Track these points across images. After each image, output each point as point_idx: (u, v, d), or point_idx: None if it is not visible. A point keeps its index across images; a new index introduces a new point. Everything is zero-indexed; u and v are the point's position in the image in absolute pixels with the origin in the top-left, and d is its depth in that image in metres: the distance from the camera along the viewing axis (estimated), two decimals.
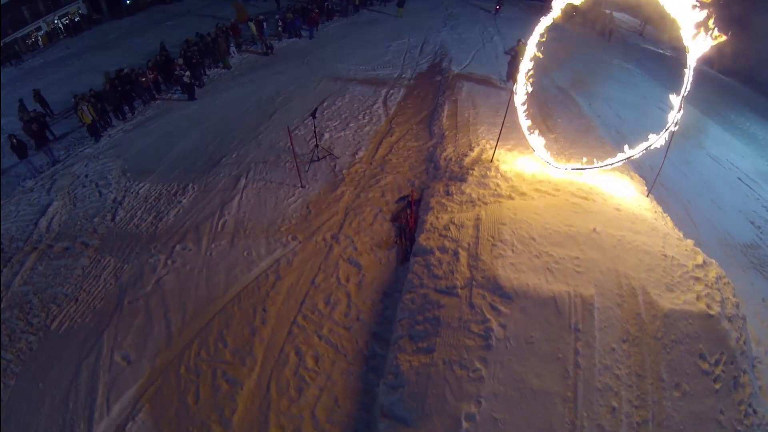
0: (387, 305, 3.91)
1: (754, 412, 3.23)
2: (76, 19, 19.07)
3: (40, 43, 17.65)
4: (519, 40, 8.91)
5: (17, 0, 18.05)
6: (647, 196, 5.24)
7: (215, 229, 5.25)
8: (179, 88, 9.94)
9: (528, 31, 5.04)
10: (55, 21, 18.87)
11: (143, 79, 9.54)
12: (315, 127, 6.64)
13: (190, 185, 6.29)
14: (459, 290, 3.17)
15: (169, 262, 4.81)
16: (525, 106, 4.96)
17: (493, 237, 3.49)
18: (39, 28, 18.59)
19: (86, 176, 7.32)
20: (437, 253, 3.58)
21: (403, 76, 10.26)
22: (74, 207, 6.60)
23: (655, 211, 4.75)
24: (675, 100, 4.37)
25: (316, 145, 6.69)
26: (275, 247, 4.81)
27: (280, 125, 7.81)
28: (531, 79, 4.78)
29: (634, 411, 2.80)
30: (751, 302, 5.26)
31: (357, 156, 6.80)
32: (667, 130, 4.60)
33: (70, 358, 4.05)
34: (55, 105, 10.18)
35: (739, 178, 9.55)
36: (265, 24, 12.74)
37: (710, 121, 12.88)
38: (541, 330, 2.87)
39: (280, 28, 13.22)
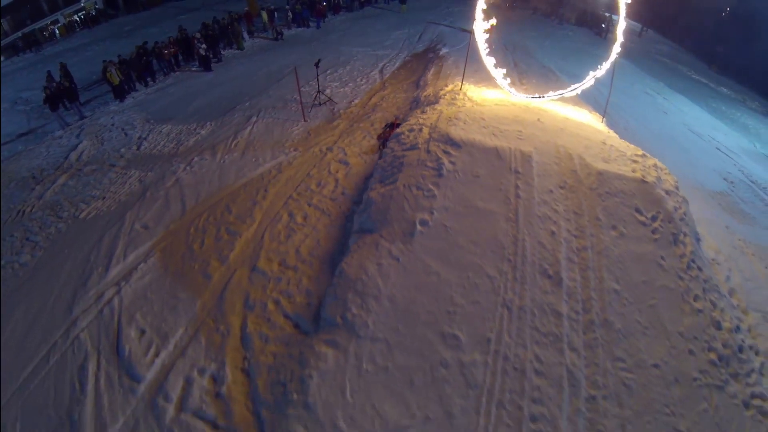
0: (368, 185, 4.63)
1: (699, 269, 3.74)
2: (92, 13, 20.79)
3: (57, 34, 19.11)
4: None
5: None
6: (601, 122, 5.95)
7: (229, 146, 6.15)
8: (197, 62, 11.12)
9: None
10: (73, 15, 20.62)
11: (165, 51, 10.74)
12: (318, 76, 7.61)
13: (208, 123, 7.26)
14: (419, 145, 3.91)
15: (188, 168, 5.68)
16: (487, 47, 5.73)
17: (449, 118, 4.28)
18: (56, 21, 20.10)
19: (112, 124, 8.32)
20: (406, 132, 4.36)
21: (400, 55, 11.34)
22: (101, 145, 7.51)
23: (608, 131, 5.43)
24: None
25: (318, 92, 7.62)
26: (279, 155, 5.67)
27: (288, 86, 8.79)
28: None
29: (573, 239, 3.39)
30: (714, 227, 5.80)
31: (353, 103, 7.76)
32: (609, 61, 5.42)
33: (94, 232, 4.82)
34: (77, 82, 11.51)
35: (717, 149, 10.28)
36: (275, 13, 14.09)
37: (698, 107, 13.73)
38: (485, 168, 3.56)
39: (289, 18, 14.55)
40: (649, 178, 4.06)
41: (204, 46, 10.71)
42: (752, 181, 8.58)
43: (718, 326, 3.51)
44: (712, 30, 22.86)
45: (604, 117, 6.13)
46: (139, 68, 10.30)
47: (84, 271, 4.30)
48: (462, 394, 2.59)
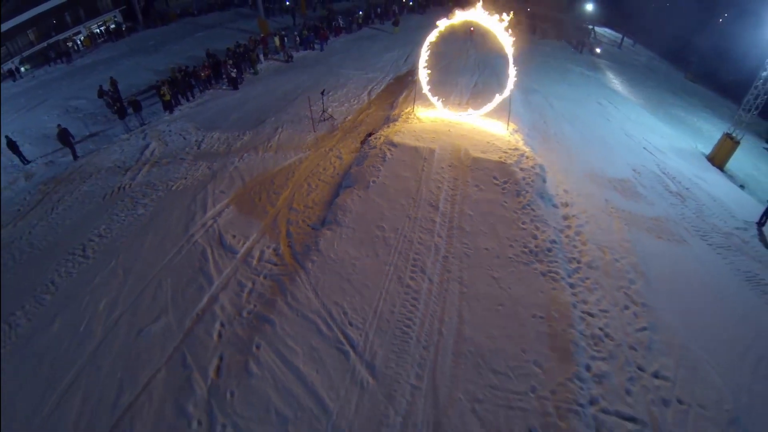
0: (351, 167, 8.78)
1: (533, 210, 7.73)
2: (111, 26, 25.17)
3: (80, 45, 23.40)
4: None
5: (62, 6, 24.08)
6: (507, 130, 10.07)
7: (266, 147, 10.42)
8: (225, 82, 15.59)
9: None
10: (93, 28, 25.01)
11: (202, 73, 15.26)
12: (323, 101, 11.92)
13: (247, 131, 11.51)
14: (377, 146, 8.14)
15: (240, 160, 9.88)
16: (428, 79, 10.05)
17: (396, 132, 8.53)
18: (78, 32, 24.56)
19: (170, 131, 12.57)
20: (373, 139, 8.60)
21: (386, 78, 15.74)
22: (166, 146, 11.75)
23: (509, 134, 9.60)
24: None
25: (323, 111, 11.92)
26: (299, 153, 9.93)
27: (301, 104, 13.12)
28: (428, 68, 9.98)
29: (450, 190, 7.45)
30: (592, 198, 9.62)
31: (347, 119, 12.04)
32: (508, 89, 9.64)
33: (187, 196, 8.92)
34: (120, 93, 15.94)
35: (644, 148, 14.04)
36: (286, 38, 18.75)
37: (648, 114, 17.72)
38: (408, 157, 7.70)
39: (297, 42, 19.22)
40: (509, 161, 8.16)
41: (234, 70, 15.29)
42: (663, 172, 12.00)
43: (535, 237, 7.45)
44: (686, 42, 27.30)
45: (508, 125, 10.27)
46: (183, 87, 14.83)
47: (188, 214, 8.38)
48: (383, 248, 6.58)
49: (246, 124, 12.05)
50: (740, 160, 14.62)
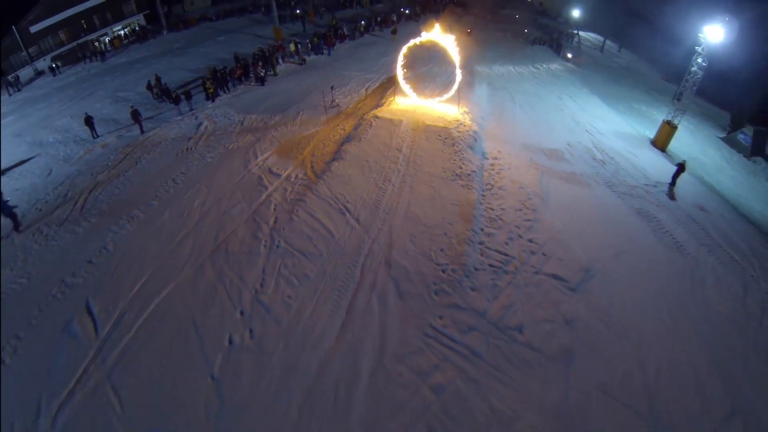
0: (350, 132, 14.33)
1: (462, 154, 13.02)
2: (135, 28, 30.84)
3: (107, 45, 28.70)
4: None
5: (91, 9, 28.82)
6: (458, 111, 15.56)
7: (293, 124, 15.82)
8: (253, 79, 21.40)
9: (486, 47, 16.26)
10: (118, 30, 30.58)
11: (236, 73, 21.11)
12: (332, 94, 17.61)
13: (277, 114, 16.95)
14: (367, 120, 14.04)
15: (276, 131, 15.24)
16: (404, 74, 15.75)
17: (380, 111, 14.34)
18: (105, 34, 30.06)
19: (216, 114, 18.13)
20: (365, 117, 14.23)
21: (381, 77, 21.43)
22: (215, 124, 17.34)
23: (461, 114, 15.10)
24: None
25: (332, 101, 17.60)
26: (315, 127, 15.37)
27: (315, 96, 18.73)
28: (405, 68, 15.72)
29: (410, 142, 12.88)
30: (520, 156, 14.83)
31: (349, 107, 17.59)
32: (455, 82, 15.28)
33: (240, 152, 14.23)
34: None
35: (586, 130, 19.11)
36: (299, 45, 24.73)
37: (604, 105, 22.66)
38: (387, 125, 13.22)
39: (309, 48, 25.18)
40: (450, 127, 13.61)
41: (263, 70, 21.15)
42: (595, 147, 16.18)
43: (461, 168, 12.59)
44: (662, 45, 32.72)
45: (459, 108, 15.79)
46: (222, 82, 20.62)
47: (245, 160, 13.54)
48: (368, 170, 11.82)
49: (275, 109, 17.55)
50: (691, 146, 19.09)
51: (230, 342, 7.17)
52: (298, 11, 32.29)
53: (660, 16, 33.93)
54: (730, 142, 22.54)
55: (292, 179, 12.08)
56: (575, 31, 36.08)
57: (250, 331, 7.38)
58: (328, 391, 6.42)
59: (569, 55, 31.08)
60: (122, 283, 8.43)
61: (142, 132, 16.38)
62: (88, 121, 16.10)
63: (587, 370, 6.98)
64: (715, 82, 31.56)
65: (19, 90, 23.62)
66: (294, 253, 9.11)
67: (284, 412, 6.16)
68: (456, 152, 12.85)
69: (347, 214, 10.31)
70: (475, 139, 13.56)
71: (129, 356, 6.95)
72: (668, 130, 17.73)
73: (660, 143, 17.96)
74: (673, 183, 14.23)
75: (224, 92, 20.30)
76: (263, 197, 11.38)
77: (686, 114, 24.77)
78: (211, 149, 14.56)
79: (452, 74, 16.59)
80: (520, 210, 11.41)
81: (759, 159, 20.85)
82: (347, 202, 10.71)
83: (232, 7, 35.97)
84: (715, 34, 15.65)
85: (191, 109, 18.70)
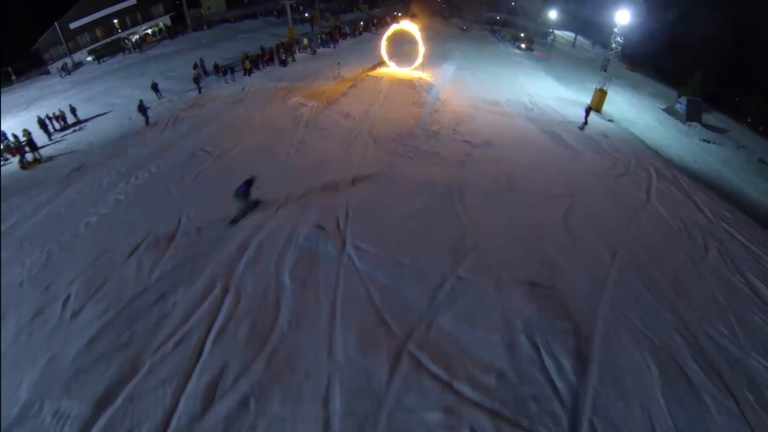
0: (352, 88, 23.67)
1: (423, 97, 22.22)
2: (162, 28, 39.63)
3: (135, 41, 36.30)
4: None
5: (123, 10, 36.68)
6: (425, 76, 25.00)
7: (311, 86, 24.79)
8: (277, 62, 31.03)
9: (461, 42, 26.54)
10: (146, 29, 39.23)
11: (265, 57, 30.77)
12: (339, 69, 27.19)
13: (299, 82, 25.96)
14: (360, 79, 23.66)
15: (301, 89, 24.35)
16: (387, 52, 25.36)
17: (368, 73, 24.04)
18: (135, 32, 37.58)
19: (254, 82, 27.05)
20: (361, 77, 23.54)
21: (373, 61, 30.76)
22: (255, 88, 26.72)
23: (425, 76, 24.52)
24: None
25: (338, 73, 27.05)
26: (327, 85, 24.71)
27: (326, 72, 27.88)
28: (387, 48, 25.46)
29: (386, 89, 22.06)
30: (466, 101, 24.10)
31: (349, 77, 26.94)
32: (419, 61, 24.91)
33: (279, 98, 23.32)
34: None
35: (528, 93, 27.92)
36: (312, 40, 34.74)
37: (555, 82, 31.58)
38: (372, 81, 23.02)
39: (318, 42, 35.17)
40: (414, 81, 22.98)
41: (285, 55, 30.83)
42: (529, 102, 24.53)
43: (417, 100, 21.65)
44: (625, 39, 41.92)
45: (423, 72, 25.22)
46: (255, 62, 30.23)
47: (283, 100, 22.51)
48: (361, 100, 20.95)
49: (297, 78, 26.44)
50: (629, 112, 25.40)
51: (287, 153, 16.03)
52: (306, 14, 42.63)
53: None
54: (669, 111, 28.05)
55: (315, 107, 21.18)
56: (551, 30, 45.46)
57: (298, 150, 16.27)
58: (338, 162, 15.25)
59: (535, 50, 40.33)
60: (223, 143, 17.33)
61: (200, 92, 25.42)
62: (154, 87, 24.42)
63: (471, 169, 15.44)
64: (670, 63, 40.01)
65: (69, 74, 31.34)
66: (319, 129, 18.01)
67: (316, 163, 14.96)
68: (415, 92, 21.96)
69: (349, 116, 19.30)
70: (431, 88, 22.74)
71: (237, 158, 15.80)
72: (599, 95, 24.34)
73: (595, 105, 24.05)
74: (585, 122, 21.57)
75: (257, 70, 29.92)
76: (298, 113, 20.43)
77: (636, 91, 32.18)
78: (257, 99, 23.60)
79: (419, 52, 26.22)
80: (455, 121, 20.25)
81: (694, 123, 26.52)
82: (348, 112, 19.71)
83: (246, 11, 46.42)
84: (623, 17, 23.50)
85: (234, 81, 28.16)
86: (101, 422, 6.76)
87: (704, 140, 25.27)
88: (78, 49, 35.31)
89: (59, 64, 32.69)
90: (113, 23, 37.07)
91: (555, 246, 10.80)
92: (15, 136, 17.85)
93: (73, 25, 34.58)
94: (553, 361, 7.34)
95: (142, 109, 20.01)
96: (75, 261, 10.31)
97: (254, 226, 11.22)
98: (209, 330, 8.06)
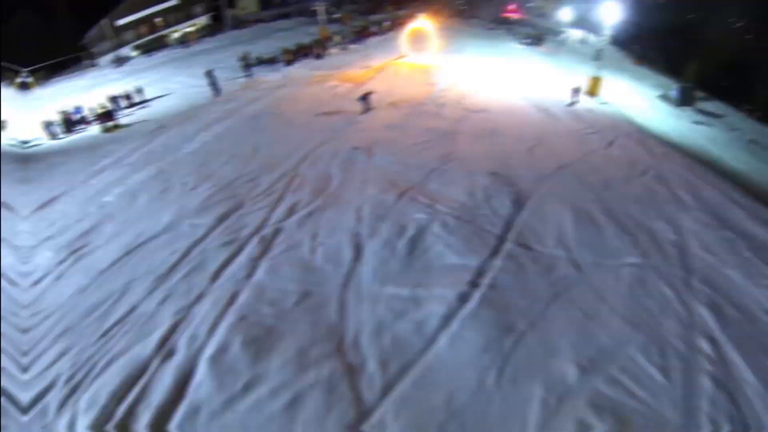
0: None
1: (434, 77, 27.78)
2: (203, 26, 44.94)
3: (178, 37, 39.88)
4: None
5: (166, 9, 39.63)
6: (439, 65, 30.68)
7: (344, 73, 30.84)
8: (314, 56, 37.42)
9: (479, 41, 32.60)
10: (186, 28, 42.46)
11: (303, 51, 37.22)
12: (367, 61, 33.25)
13: (335, 70, 31.71)
14: (387, 65, 29.25)
15: (336, 75, 30.60)
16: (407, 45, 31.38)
17: (391, 63, 29.99)
18: (176, 31, 40.86)
19: (294, 71, 33.73)
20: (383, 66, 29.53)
21: (396, 54, 36.77)
22: (297, 74, 32.97)
23: (441, 66, 30.27)
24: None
25: (367, 65, 33.21)
26: (356, 69, 30.91)
27: (357, 63, 33.74)
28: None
29: (406, 75, 28.12)
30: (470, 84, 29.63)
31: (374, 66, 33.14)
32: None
33: (317, 83, 29.57)
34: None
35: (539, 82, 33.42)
36: (343, 37, 41.16)
37: (554, 70, 36.61)
38: (396, 68, 29.55)
39: (348, 40, 41.59)
40: (429, 68, 28.59)
41: (320, 50, 37.27)
42: (529, 87, 30.82)
43: (432, 87, 27.16)
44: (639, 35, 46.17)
45: (438, 62, 31.01)
46: (295, 55, 36.66)
47: (322, 81, 28.89)
48: (384, 82, 27.00)
49: (332, 68, 32.05)
50: (623, 98, 27.60)
51: (328, 114, 21.83)
52: (335, 15, 49.30)
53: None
54: (664, 98, 29.41)
55: (347, 87, 26.96)
56: (564, 29, 50.36)
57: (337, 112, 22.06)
58: (365, 120, 20.85)
59: (543, 46, 45.10)
60: (279, 108, 23.30)
61: (251, 77, 31.84)
62: (209, 73, 31.39)
63: (466, 124, 20.49)
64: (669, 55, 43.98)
65: (121, 65, 35.36)
66: (351, 100, 23.79)
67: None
68: (429, 77, 27.58)
69: (374, 93, 25.01)
70: (444, 73, 28.30)
71: (291, 117, 21.68)
72: (594, 81, 26.15)
73: (591, 91, 26.18)
74: (573, 101, 25.50)
75: (296, 61, 36.32)
76: (333, 91, 26.33)
77: (639, 83, 35.35)
78: (299, 83, 29.41)
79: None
80: (458, 96, 25.49)
81: (687, 108, 28.10)
82: (375, 90, 25.45)
83: (280, 11, 53.28)
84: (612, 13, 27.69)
85: (274, 70, 34.44)
86: (221, 227, 12.09)
87: (696, 122, 27.56)
88: (123, 45, 38.65)
89: (108, 57, 36.74)
90: (156, 21, 41.07)
91: (517, 161, 15.85)
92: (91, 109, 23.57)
93: (118, 23, 37.85)
94: (498, 202, 12.51)
95: (212, 80, 25.75)
96: (183, 169, 15.98)
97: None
98: (285, 190, 13.60)
